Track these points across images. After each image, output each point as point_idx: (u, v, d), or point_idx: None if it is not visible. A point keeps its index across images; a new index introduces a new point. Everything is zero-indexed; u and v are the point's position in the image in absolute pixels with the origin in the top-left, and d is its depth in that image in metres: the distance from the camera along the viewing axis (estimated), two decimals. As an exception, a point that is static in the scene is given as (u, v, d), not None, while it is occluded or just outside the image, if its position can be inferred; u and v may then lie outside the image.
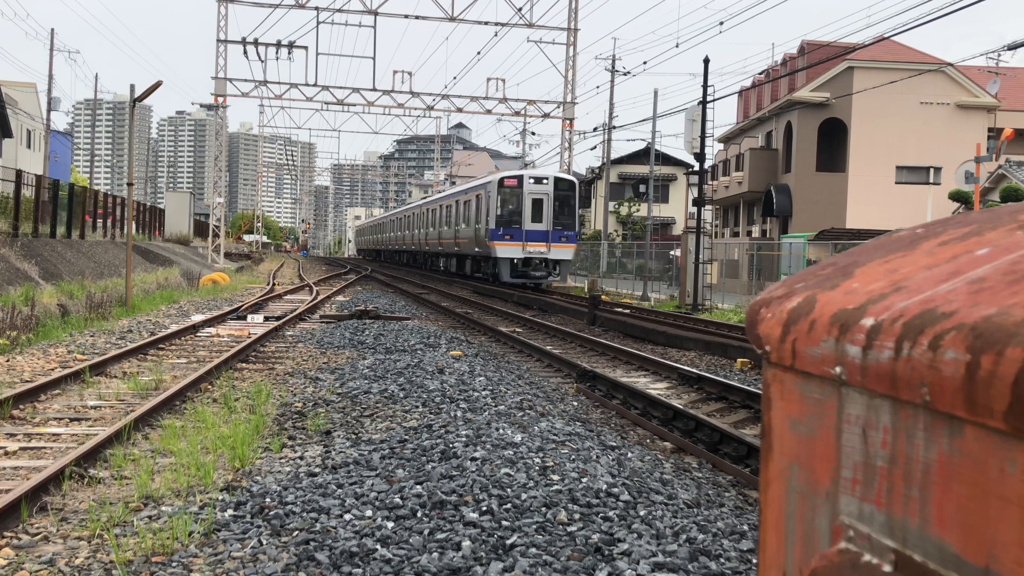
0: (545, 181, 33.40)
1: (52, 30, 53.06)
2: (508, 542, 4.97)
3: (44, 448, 7.58)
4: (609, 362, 14.79)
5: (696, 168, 28.91)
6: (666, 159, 58.77)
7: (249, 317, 19.34)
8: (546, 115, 44.89)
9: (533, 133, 59.06)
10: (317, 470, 6.61)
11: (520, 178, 33.39)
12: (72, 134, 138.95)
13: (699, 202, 28.56)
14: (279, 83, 42.98)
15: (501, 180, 33.27)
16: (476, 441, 7.20)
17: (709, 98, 27.67)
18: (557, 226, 33.20)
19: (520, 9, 40.39)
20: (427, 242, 48.73)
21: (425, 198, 55.83)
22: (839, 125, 43.23)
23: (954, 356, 0.77)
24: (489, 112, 45.17)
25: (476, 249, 35.69)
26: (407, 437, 7.51)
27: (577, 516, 5.45)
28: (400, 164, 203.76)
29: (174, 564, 4.72)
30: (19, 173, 26.79)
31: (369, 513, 5.44)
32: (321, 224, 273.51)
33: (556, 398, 10.75)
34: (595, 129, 47.17)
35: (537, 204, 33.13)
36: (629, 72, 46.18)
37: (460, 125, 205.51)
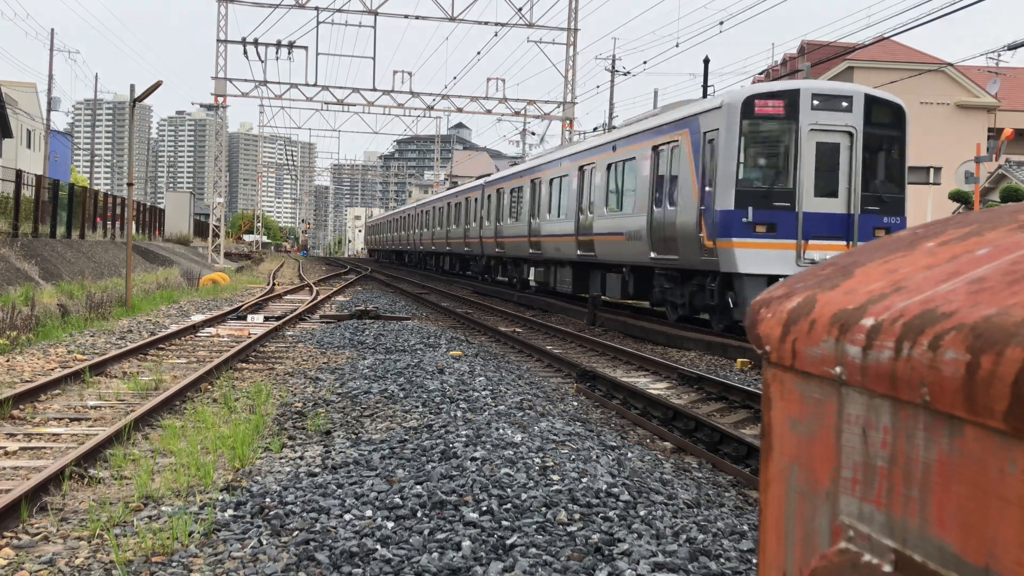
0: (845, 105, 15.87)
1: (52, 30, 53.10)
2: (508, 542, 4.97)
3: (44, 448, 7.58)
4: (609, 362, 14.79)
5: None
6: (666, 159, 58.60)
7: (249, 317, 19.34)
8: (546, 115, 44.89)
9: (533, 133, 58.91)
10: (317, 470, 6.61)
11: (792, 96, 15.69)
12: (72, 134, 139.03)
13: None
14: (279, 83, 42.98)
15: (748, 101, 15.64)
16: (476, 441, 7.20)
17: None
18: (870, 204, 15.98)
19: (520, 9, 40.40)
20: (504, 240, 30.86)
21: (488, 179, 35.56)
22: (839, 125, 43.18)
23: (954, 356, 0.77)
24: (489, 112, 45.17)
25: (654, 256, 18.11)
26: (407, 437, 7.51)
27: (577, 516, 5.45)
28: (400, 164, 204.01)
29: (174, 564, 4.72)
30: (19, 173, 26.80)
31: (369, 513, 5.44)
32: (321, 224, 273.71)
33: (556, 398, 10.75)
34: (595, 129, 47.12)
35: (828, 156, 15.88)
36: (629, 72, 46.21)
37: (460, 125, 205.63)
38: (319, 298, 25.09)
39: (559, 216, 24.72)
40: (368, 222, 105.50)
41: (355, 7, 39.95)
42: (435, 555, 4.75)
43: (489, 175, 37.79)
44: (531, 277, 28.80)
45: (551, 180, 25.71)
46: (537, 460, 6.65)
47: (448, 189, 49.18)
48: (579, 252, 22.82)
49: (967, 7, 17.46)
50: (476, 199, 35.87)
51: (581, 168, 23.13)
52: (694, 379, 12.02)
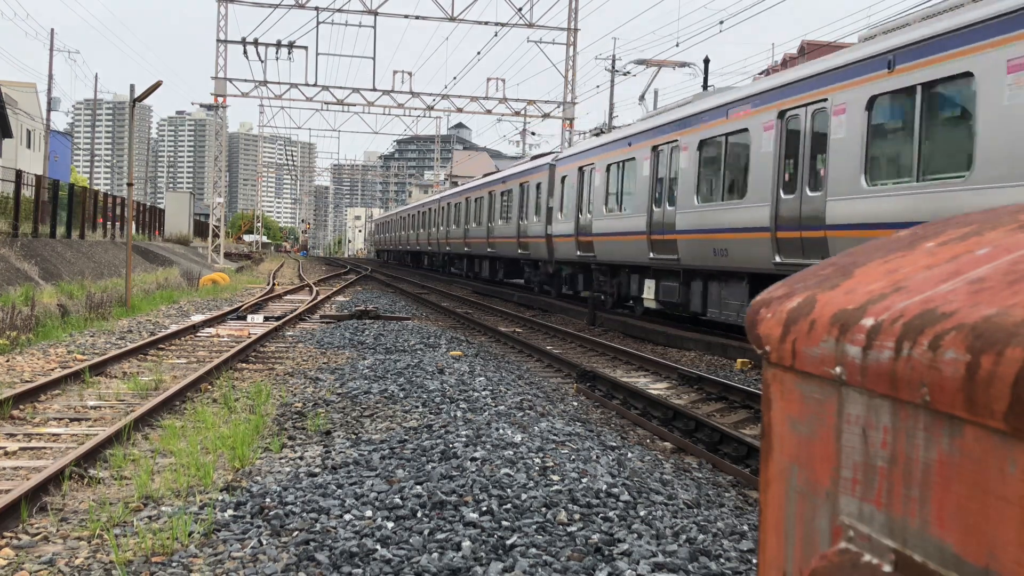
0: None
1: (52, 30, 53.09)
2: (508, 542, 4.97)
3: (44, 448, 7.58)
4: (609, 362, 14.79)
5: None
6: (667, 159, 58.43)
7: (249, 317, 19.34)
8: (546, 115, 44.88)
9: (533, 133, 58.82)
10: (317, 470, 6.61)
11: None
12: (72, 134, 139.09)
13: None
14: (279, 83, 42.95)
15: None
16: (476, 441, 7.20)
17: (710, 98, 27.45)
18: None
19: (520, 9, 40.40)
20: (593, 240, 21.82)
21: (560, 155, 26.34)
22: (839, 125, 42.88)
23: (954, 356, 0.77)
24: (489, 112, 45.16)
25: None
26: (407, 437, 7.51)
27: (577, 516, 5.45)
28: (400, 164, 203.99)
29: (174, 564, 4.72)
30: (19, 173, 26.80)
31: (369, 513, 5.44)
32: (321, 224, 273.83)
33: (556, 398, 10.75)
34: (595, 129, 47.09)
35: None
36: (629, 72, 46.19)
37: (460, 125, 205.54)
38: (319, 298, 25.09)
39: (730, 199, 15.18)
40: (375, 219, 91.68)
41: (355, 7, 39.96)
42: (435, 555, 4.75)
43: (557, 151, 28.63)
44: (647, 294, 18.72)
45: (700, 144, 16.23)
46: (537, 460, 6.65)
47: (484, 176, 39.15)
48: (779, 259, 13.50)
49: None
50: (539, 184, 26.62)
51: (782, 114, 13.59)
52: (694, 379, 12.02)
